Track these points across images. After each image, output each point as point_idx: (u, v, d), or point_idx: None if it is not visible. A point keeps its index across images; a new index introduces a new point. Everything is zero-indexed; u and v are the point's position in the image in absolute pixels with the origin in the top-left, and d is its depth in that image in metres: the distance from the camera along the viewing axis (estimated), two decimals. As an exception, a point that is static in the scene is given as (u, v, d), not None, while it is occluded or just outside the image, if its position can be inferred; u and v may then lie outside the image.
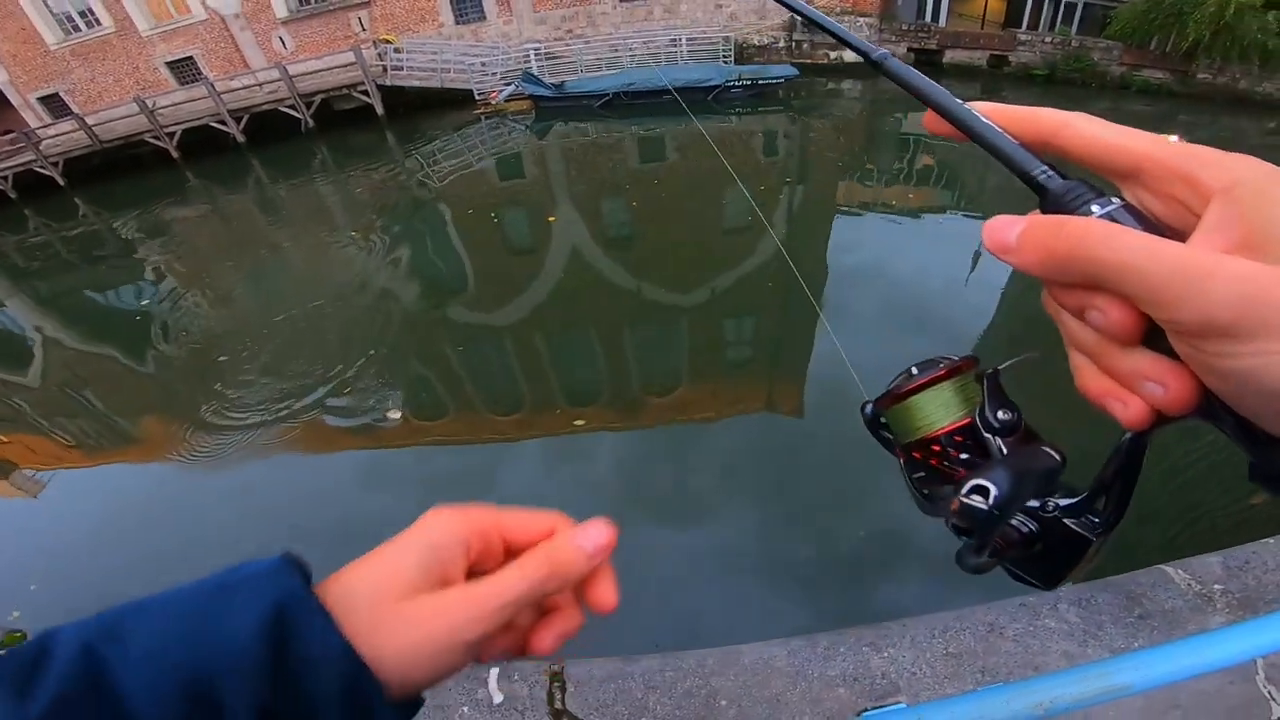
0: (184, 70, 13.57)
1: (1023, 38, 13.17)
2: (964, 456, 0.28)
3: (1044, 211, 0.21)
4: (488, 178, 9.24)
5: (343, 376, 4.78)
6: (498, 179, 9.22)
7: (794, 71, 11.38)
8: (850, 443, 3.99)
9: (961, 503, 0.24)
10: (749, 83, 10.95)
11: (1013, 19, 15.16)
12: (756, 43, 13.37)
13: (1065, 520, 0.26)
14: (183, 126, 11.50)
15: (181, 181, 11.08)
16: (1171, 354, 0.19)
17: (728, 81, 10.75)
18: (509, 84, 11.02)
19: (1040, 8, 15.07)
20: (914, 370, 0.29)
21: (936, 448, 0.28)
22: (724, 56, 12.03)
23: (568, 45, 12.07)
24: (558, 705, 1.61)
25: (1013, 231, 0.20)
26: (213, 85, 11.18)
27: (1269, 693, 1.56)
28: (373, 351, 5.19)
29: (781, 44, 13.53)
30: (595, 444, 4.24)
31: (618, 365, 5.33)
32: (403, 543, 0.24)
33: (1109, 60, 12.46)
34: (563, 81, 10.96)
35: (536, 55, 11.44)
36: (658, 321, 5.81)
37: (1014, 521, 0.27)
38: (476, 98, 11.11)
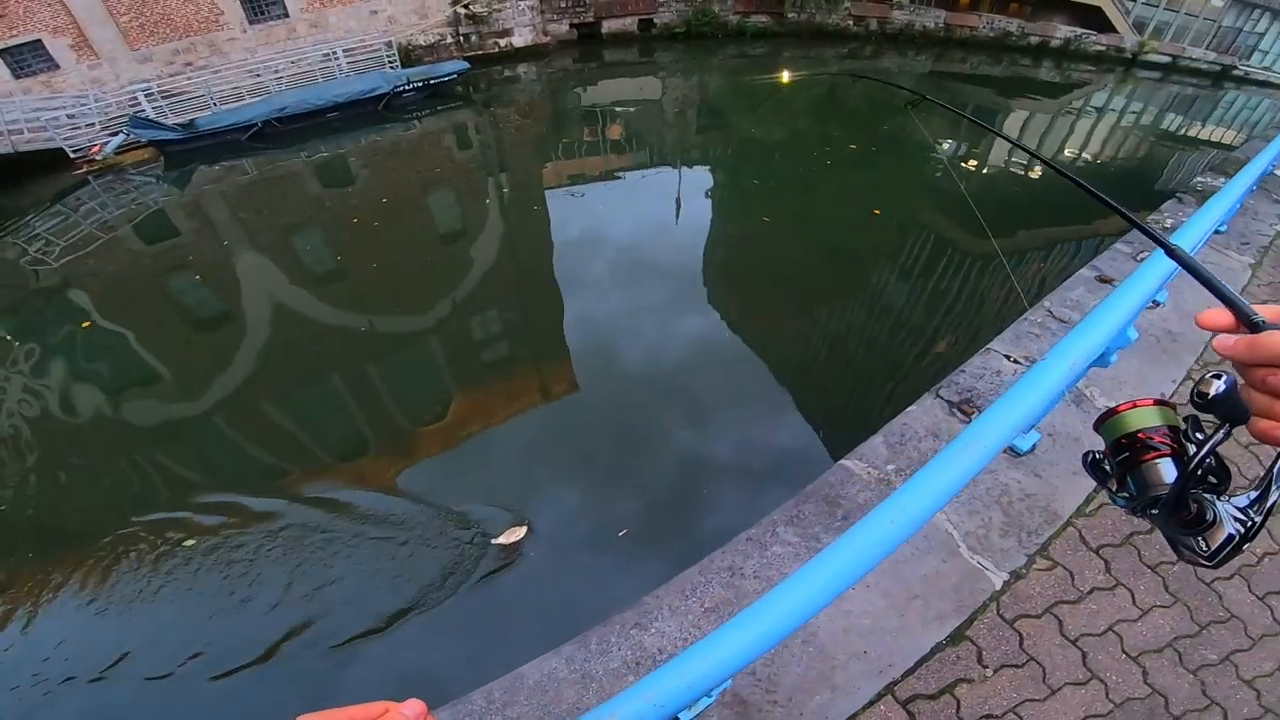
0: None
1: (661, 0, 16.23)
2: (1160, 442, 0.47)
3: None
4: (128, 244, 8.16)
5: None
6: (143, 244, 8.22)
7: (465, 66, 12.23)
8: (628, 407, 4.73)
9: (1208, 379, 0.42)
10: (421, 84, 11.45)
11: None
12: (423, 43, 13.92)
13: (1240, 513, 0.42)
14: None
15: None
16: None
17: (396, 87, 11.11)
18: (117, 133, 9.77)
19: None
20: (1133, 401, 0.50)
21: (1141, 435, 0.48)
22: (389, 62, 12.33)
23: (190, 79, 11.10)
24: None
25: (1230, 340, 0.42)
26: None
27: (977, 562, 1.91)
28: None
29: (449, 40, 14.31)
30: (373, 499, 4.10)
31: (375, 407, 5.18)
32: None
33: (726, 11, 16.07)
34: (192, 120, 10.09)
35: (149, 96, 10.28)
36: (405, 350, 5.75)
37: (1204, 505, 0.43)
38: (73, 155, 9.59)
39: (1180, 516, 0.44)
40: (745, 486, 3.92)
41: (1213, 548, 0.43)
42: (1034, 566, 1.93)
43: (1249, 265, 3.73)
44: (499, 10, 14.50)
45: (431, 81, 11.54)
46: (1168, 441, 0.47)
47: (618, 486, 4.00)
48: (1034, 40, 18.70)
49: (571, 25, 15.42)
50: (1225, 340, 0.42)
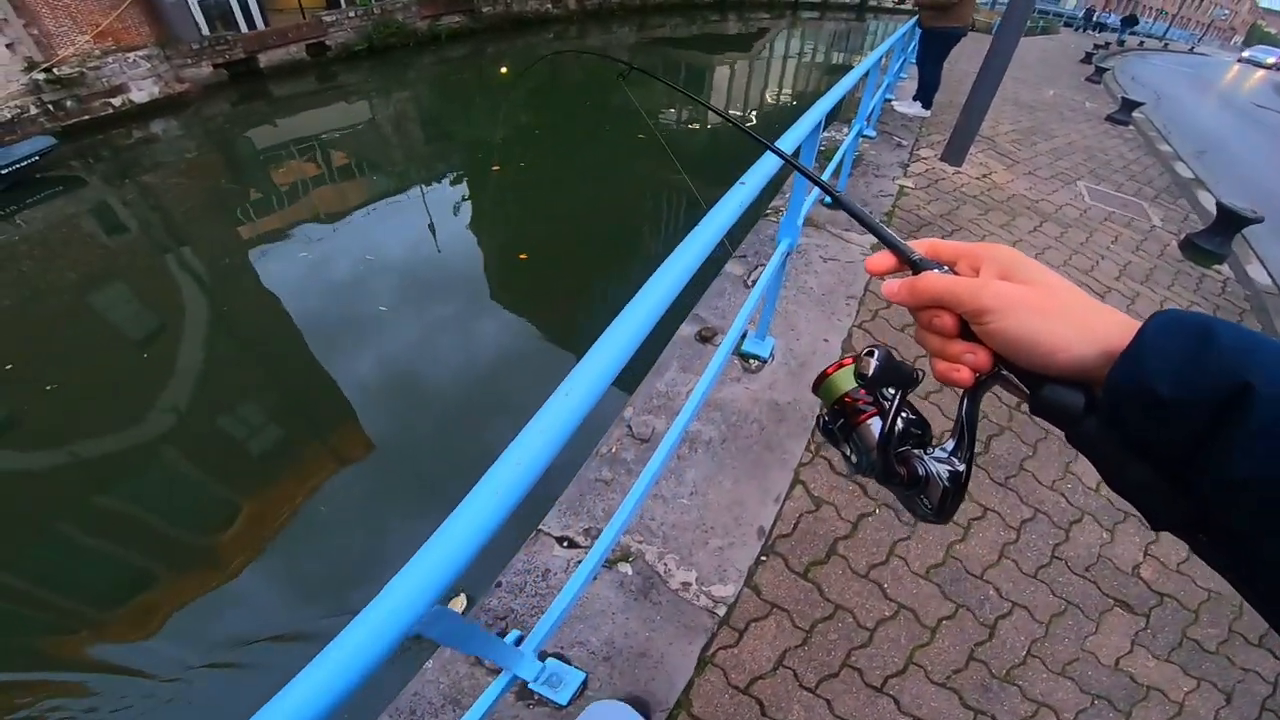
0: None
1: (329, 19, 14.68)
2: (864, 404, 0.52)
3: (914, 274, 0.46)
4: None
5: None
6: None
7: (49, 143, 9.63)
8: (453, 433, 4.64)
9: (862, 358, 0.46)
10: (-7, 175, 8.81)
11: (333, 1, 16.91)
12: (-9, 120, 10.73)
13: (946, 462, 0.45)
14: None
15: None
16: (975, 340, 0.42)
17: (-51, 185, 8.34)
18: None
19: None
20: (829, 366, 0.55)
21: (848, 399, 0.52)
22: (-65, 154, 9.22)
23: None
24: None
25: (895, 285, 0.46)
26: None
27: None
28: None
29: (34, 111, 11.22)
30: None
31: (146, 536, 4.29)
32: None
33: (411, 18, 15.32)
34: None
35: None
36: (143, 470, 4.77)
37: (915, 463, 0.47)
38: None
39: (898, 478, 0.47)
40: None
41: (935, 503, 0.46)
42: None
43: (871, 244, 3.56)
44: (97, 68, 11.85)
45: (5, 171, 8.95)
46: (871, 402, 0.52)
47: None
48: (714, -4, 21.50)
49: (216, 66, 13.29)
50: (891, 285, 0.46)
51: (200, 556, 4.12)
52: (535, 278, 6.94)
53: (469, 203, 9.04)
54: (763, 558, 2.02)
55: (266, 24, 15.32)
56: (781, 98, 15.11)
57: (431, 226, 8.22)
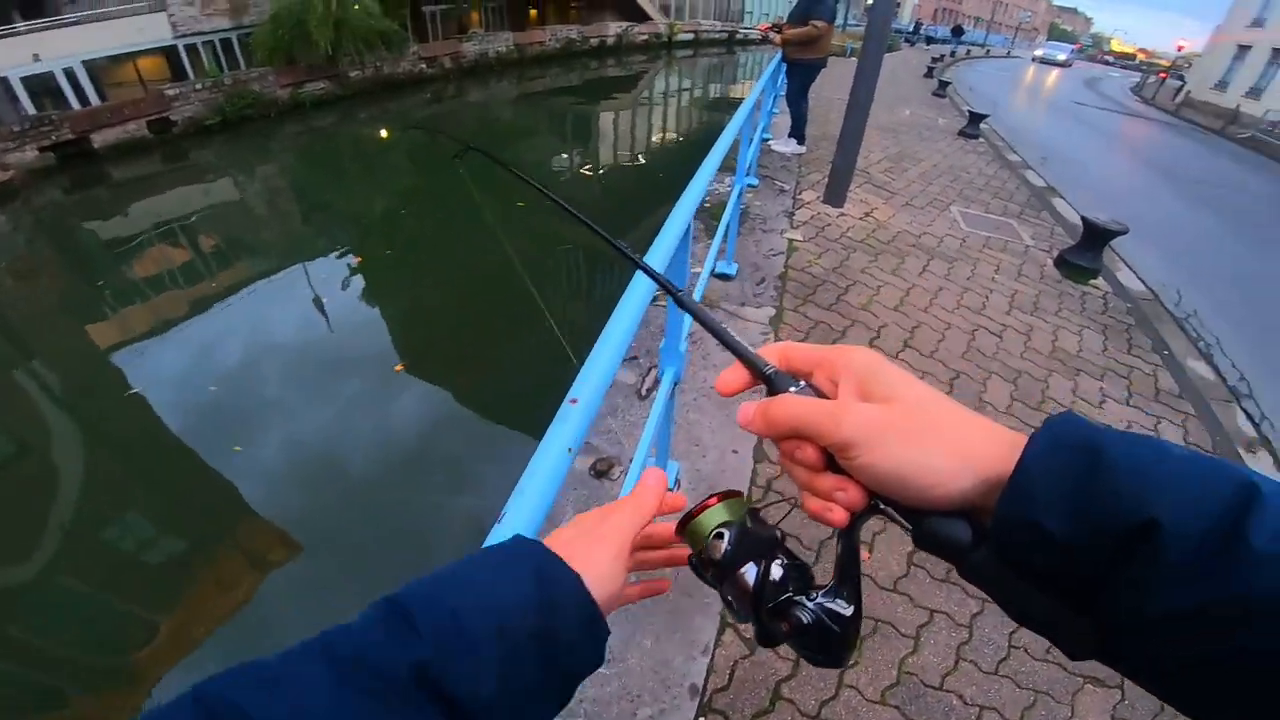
0: None
1: (171, 92, 13.54)
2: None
3: (769, 393, 0.40)
4: None
5: None
6: None
7: None
8: (388, 508, 4.41)
9: (711, 541, 0.43)
10: None
11: (178, 73, 15.68)
12: None
13: (831, 605, 0.40)
14: None
15: None
16: (845, 473, 0.37)
17: None
18: None
19: (197, 54, 16.07)
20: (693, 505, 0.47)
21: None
22: None
23: None
24: None
25: (751, 413, 0.40)
26: None
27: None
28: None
29: None
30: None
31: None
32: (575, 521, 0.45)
33: (270, 87, 14.47)
34: None
35: None
36: (48, 601, 4.22)
37: (797, 612, 0.40)
38: None
39: (780, 636, 0.42)
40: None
41: (825, 652, 0.41)
42: None
43: (769, 317, 3.38)
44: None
45: None
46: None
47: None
48: (594, 42, 22.15)
49: (42, 149, 11.93)
50: (745, 412, 0.41)
51: (118, 678, 3.73)
52: (459, 345, 6.74)
53: (370, 274, 8.52)
54: (700, 719, 1.74)
55: (103, 98, 14.05)
56: (668, 135, 15.52)
57: (314, 308, 7.67)
